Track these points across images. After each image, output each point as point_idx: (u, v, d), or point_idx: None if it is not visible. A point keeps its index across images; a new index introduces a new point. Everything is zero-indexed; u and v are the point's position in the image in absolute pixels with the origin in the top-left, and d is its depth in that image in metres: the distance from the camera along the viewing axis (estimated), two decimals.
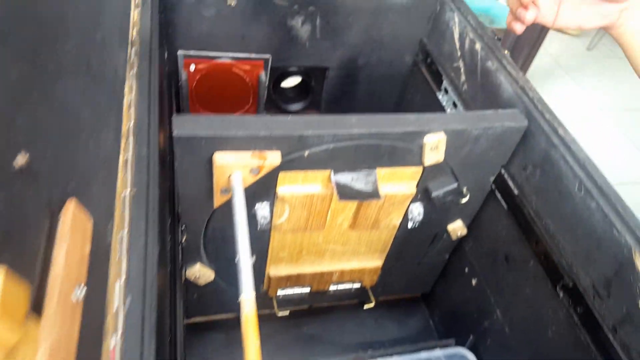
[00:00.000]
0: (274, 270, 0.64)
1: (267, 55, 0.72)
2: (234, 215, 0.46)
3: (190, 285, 0.63)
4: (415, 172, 0.55)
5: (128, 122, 0.45)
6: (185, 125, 0.45)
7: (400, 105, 0.85)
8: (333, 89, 0.82)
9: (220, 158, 0.47)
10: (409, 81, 0.81)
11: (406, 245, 0.66)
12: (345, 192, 0.52)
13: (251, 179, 0.49)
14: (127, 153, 0.41)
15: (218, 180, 0.48)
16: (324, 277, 0.68)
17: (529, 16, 0.51)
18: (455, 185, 0.56)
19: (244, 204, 0.47)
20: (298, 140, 0.48)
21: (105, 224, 0.35)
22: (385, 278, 0.71)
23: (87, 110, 0.36)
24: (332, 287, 0.71)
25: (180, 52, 0.68)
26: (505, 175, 0.59)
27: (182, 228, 0.55)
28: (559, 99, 2.04)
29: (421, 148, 0.52)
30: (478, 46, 0.64)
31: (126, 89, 0.47)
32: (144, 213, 0.38)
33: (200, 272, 0.61)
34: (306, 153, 0.50)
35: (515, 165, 0.58)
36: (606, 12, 0.50)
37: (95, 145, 0.36)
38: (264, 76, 0.73)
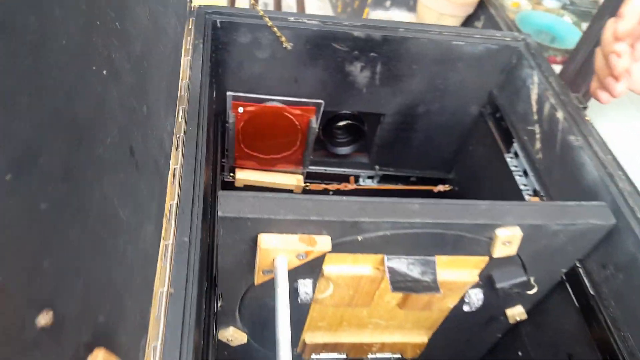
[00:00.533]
0: (310, 337, 0.60)
1: (320, 101, 0.67)
2: (275, 297, 0.42)
3: (221, 345, 0.60)
4: (480, 260, 0.49)
5: (171, 200, 0.41)
6: (230, 204, 0.41)
7: (460, 156, 0.78)
8: (387, 135, 0.76)
9: (266, 240, 0.42)
10: (472, 133, 0.74)
11: (458, 325, 0.60)
12: (399, 283, 0.46)
13: (297, 263, 0.44)
14: (167, 240, 0.37)
15: (261, 262, 0.44)
16: (363, 348, 0.63)
17: (620, 88, 0.44)
18: (525, 278, 0.50)
19: (287, 288, 0.43)
20: (351, 226, 0.43)
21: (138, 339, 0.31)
22: (429, 352, 0.65)
23: (127, 209, 0.32)
24: (370, 356, 0.66)
25: (229, 94, 0.64)
26: (580, 270, 0.52)
27: (219, 293, 0.51)
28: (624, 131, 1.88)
29: (491, 239, 0.46)
30: (560, 115, 0.57)
31: (172, 158, 0.44)
32: (180, 318, 0.34)
33: (234, 336, 0.57)
34: (360, 238, 0.44)
35: (594, 261, 0.50)
36: None
37: (133, 250, 0.32)
38: (314, 121, 0.68)
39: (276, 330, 0.39)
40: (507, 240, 0.45)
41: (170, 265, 0.36)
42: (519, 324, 0.62)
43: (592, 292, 0.50)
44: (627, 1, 0.41)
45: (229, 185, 0.72)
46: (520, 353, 0.63)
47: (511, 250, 0.47)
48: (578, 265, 0.52)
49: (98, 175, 0.29)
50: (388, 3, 2.67)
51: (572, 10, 2.64)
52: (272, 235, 0.43)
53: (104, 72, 0.32)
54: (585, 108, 0.57)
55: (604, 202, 0.48)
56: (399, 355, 0.67)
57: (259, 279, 0.46)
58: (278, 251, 0.43)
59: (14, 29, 0.21)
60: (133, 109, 0.37)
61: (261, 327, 0.58)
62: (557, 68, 1.98)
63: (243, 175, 0.72)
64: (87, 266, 0.26)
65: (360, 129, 0.76)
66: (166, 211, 0.39)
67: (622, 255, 0.47)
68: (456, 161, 0.80)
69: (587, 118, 0.56)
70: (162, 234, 0.37)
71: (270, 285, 0.46)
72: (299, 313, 0.56)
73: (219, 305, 0.52)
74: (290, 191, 0.75)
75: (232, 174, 0.72)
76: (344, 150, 0.78)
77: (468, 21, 2.76)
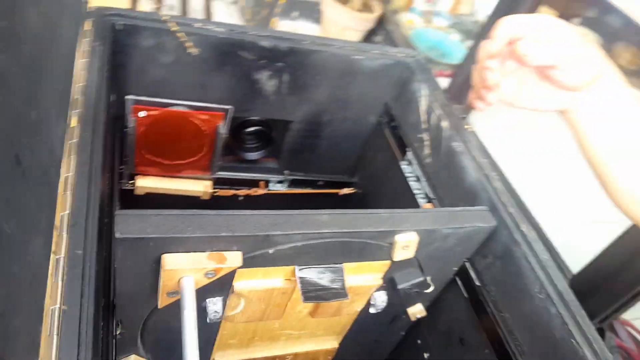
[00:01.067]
0: (221, 356, 0.59)
1: (229, 107, 0.66)
2: (182, 319, 0.41)
3: None
4: (383, 265, 0.52)
5: (62, 211, 0.38)
6: (129, 224, 0.39)
7: (362, 161, 0.82)
8: (295, 141, 0.77)
9: (170, 261, 0.41)
10: (372, 140, 0.79)
11: (365, 327, 0.63)
12: (310, 292, 0.48)
13: (205, 282, 0.43)
14: (58, 254, 0.34)
15: (165, 283, 0.42)
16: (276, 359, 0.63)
17: (492, 98, 0.50)
18: (422, 278, 0.54)
19: (194, 309, 0.42)
20: (263, 239, 0.43)
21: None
22: (340, 356, 0.68)
23: (12, 222, 0.29)
24: None
25: (128, 97, 0.60)
26: (467, 264, 0.58)
27: (117, 320, 0.48)
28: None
29: (392, 245, 0.49)
30: (445, 124, 0.62)
31: (63, 166, 0.40)
32: (75, 336, 0.31)
33: None
34: (271, 251, 0.45)
35: (477, 254, 0.57)
36: (561, 98, 0.50)
37: (19, 266, 0.29)
38: (222, 127, 0.67)
39: (184, 354, 0.38)
40: (406, 245, 0.49)
41: (63, 280, 0.34)
42: (417, 321, 0.67)
43: (477, 283, 0.56)
44: (498, 25, 0.47)
45: (129, 194, 0.68)
46: (419, 342, 0.68)
47: (409, 253, 0.50)
48: (466, 261, 0.57)
49: None
50: (295, 14, 2.69)
51: (458, 29, 2.90)
52: (177, 255, 0.41)
53: None
54: (464, 118, 0.63)
55: (486, 207, 0.54)
56: None
57: (163, 301, 0.44)
58: (184, 271, 0.42)
59: None
60: (19, 114, 0.33)
61: (166, 352, 0.55)
62: (446, 81, 2.17)
63: (144, 183, 0.69)
64: None
65: (269, 135, 0.76)
66: (57, 222, 0.36)
67: (499, 247, 0.53)
68: (359, 166, 0.84)
69: (467, 126, 0.62)
70: (53, 248, 0.34)
71: (176, 306, 0.45)
72: (208, 333, 0.54)
73: (118, 332, 0.49)
74: (198, 198, 0.73)
75: (131, 182, 0.68)
76: (253, 155, 0.78)
77: (369, 36, 2.89)
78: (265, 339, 0.59)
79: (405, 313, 0.63)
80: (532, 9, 1.78)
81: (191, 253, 0.41)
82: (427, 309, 0.64)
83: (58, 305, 0.31)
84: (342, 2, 2.63)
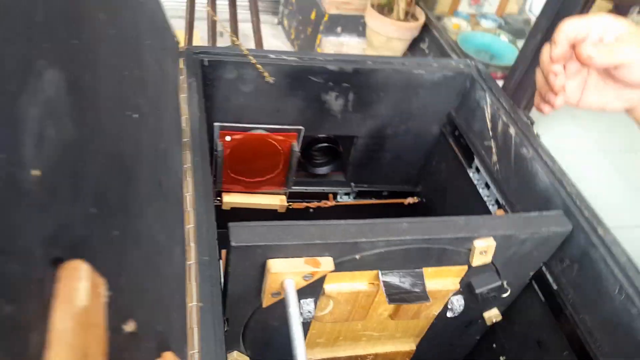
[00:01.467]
0: (309, 354, 0.64)
1: (300, 127, 0.72)
2: (288, 319, 0.46)
3: None
4: (460, 269, 0.55)
5: (188, 224, 0.44)
6: (241, 234, 0.44)
7: (425, 171, 0.85)
8: (360, 155, 0.82)
9: (275, 265, 0.46)
10: (435, 150, 0.82)
11: (442, 331, 0.66)
12: (393, 295, 0.51)
13: (303, 284, 0.48)
14: (190, 260, 0.41)
15: (270, 285, 0.48)
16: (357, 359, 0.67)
17: (559, 102, 0.51)
18: (499, 283, 0.57)
19: (298, 307, 0.47)
20: (351, 246, 0.48)
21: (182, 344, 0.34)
22: (417, 359, 0.71)
23: (163, 235, 0.35)
24: None
25: (216, 124, 0.68)
26: (544, 268, 0.59)
27: (225, 318, 0.54)
28: (559, 137, 2.07)
29: (469, 250, 0.52)
30: (512, 130, 0.65)
31: (184, 187, 0.47)
32: (212, 329, 0.37)
33: (237, 358, 0.60)
34: (357, 256, 0.49)
35: (553, 257, 0.58)
36: (628, 96, 0.50)
37: (170, 271, 0.35)
38: (296, 146, 0.73)
39: (293, 348, 0.43)
40: (483, 250, 0.52)
41: (197, 282, 0.39)
42: (494, 326, 0.69)
43: (554, 286, 0.58)
44: (559, 29, 0.49)
45: (217, 209, 0.75)
46: (494, 346, 0.70)
47: (487, 258, 0.53)
48: (542, 265, 0.59)
49: (142, 208, 0.32)
50: (339, 29, 2.77)
51: (507, 30, 2.86)
52: (279, 260, 0.46)
53: (135, 115, 0.35)
54: (532, 123, 0.65)
55: (561, 210, 0.56)
56: None
57: (267, 301, 0.50)
58: (286, 274, 0.47)
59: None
60: (155, 146, 0.40)
61: (264, 349, 0.61)
62: (499, 83, 2.15)
63: (229, 199, 0.75)
64: (147, 285, 0.29)
65: (336, 150, 0.81)
66: (185, 235, 0.42)
67: (575, 250, 0.55)
68: (422, 176, 0.87)
69: (535, 132, 0.64)
70: (186, 255, 0.40)
71: (275, 307, 0.50)
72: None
73: (225, 329, 0.55)
74: (275, 211, 0.79)
75: (219, 198, 0.75)
76: (322, 170, 0.83)
77: (414, 43, 2.91)
78: (348, 339, 0.63)
79: (482, 317, 0.65)
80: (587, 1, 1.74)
81: (290, 258, 0.46)
82: (503, 313, 0.66)
83: (195, 303, 0.37)
84: (385, 13, 2.67)
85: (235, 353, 0.59)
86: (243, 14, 2.50)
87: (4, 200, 0.17)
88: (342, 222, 0.48)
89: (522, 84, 2.06)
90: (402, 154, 0.83)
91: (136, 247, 0.28)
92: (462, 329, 0.68)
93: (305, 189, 0.83)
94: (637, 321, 0.49)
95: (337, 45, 2.78)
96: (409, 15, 2.69)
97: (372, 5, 2.62)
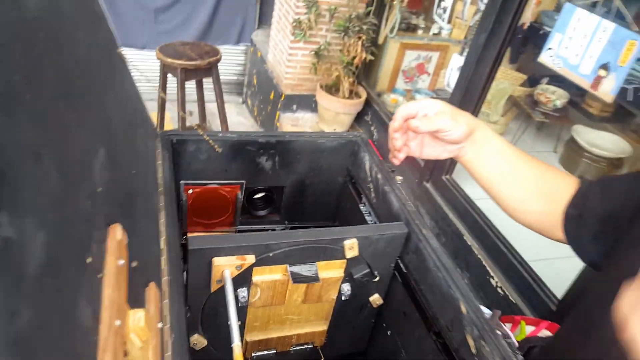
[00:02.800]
0: (250, 336, 0.91)
1: (242, 181, 1.04)
2: (226, 296, 0.74)
3: (190, 350, 0.88)
4: (342, 262, 0.85)
5: (161, 236, 0.74)
6: (196, 242, 0.74)
7: (337, 211, 1.17)
8: (289, 200, 1.14)
9: (217, 261, 0.76)
10: (341, 195, 1.15)
11: (342, 313, 0.95)
12: (296, 278, 0.81)
13: (236, 272, 0.78)
14: (164, 266, 0.70)
15: (215, 275, 0.77)
16: (286, 340, 0.94)
17: (401, 156, 0.76)
18: (367, 270, 0.87)
19: (232, 289, 0.75)
20: (265, 247, 0.78)
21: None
22: (331, 340, 0.99)
23: (151, 230, 0.65)
24: (292, 349, 0.97)
25: (182, 182, 0.99)
26: (399, 260, 0.90)
27: (187, 308, 0.82)
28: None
29: (343, 248, 0.83)
30: (379, 176, 0.98)
31: (160, 216, 0.77)
32: (178, 300, 0.66)
33: (198, 340, 0.87)
34: (271, 254, 0.79)
35: (402, 252, 0.89)
36: (450, 149, 0.73)
37: (155, 249, 0.64)
38: (240, 195, 1.04)
39: (229, 319, 0.72)
40: (351, 246, 0.83)
41: (169, 276, 0.68)
42: (381, 307, 0.98)
43: (405, 270, 0.89)
44: (397, 111, 0.80)
45: (184, 247, 1.04)
46: (384, 324, 0.99)
47: (355, 252, 0.84)
48: (398, 258, 0.90)
49: (140, 214, 0.62)
50: (295, 107, 3.21)
51: None
52: (220, 257, 0.76)
53: (134, 171, 0.66)
54: (393, 171, 0.99)
55: (402, 221, 0.88)
56: (311, 346, 0.99)
57: (214, 287, 0.79)
58: (224, 266, 0.76)
59: None
60: (146, 189, 0.70)
61: (217, 333, 0.88)
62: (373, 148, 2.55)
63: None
64: (144, 245, 0.59)
65: (271, 197, 1.13)
66: (162, 246, 0.71)
67: (412, 245, 0.86)
68: (337, 213, 1.19)
69: (396, 177, 0.98)
70: (162, 261, 0.70)
71: (221, 295, 0.78)
72: (241, 317, 0.87)
73: (188, 315, 0.83)
74: None
75: (185, 237, 1.04)
76: (261, 212, 1.14)
77: (359, 115, 3.38)
78: (277, 323, 0.91)
79: (369, 302, 0.95)
80: (490, 76, 2.20)
81: (227, 257, 0.76)
82: (384, 298, 0.95)
83: (168, 287, 0.66)
84: (333, 93, 3.13)
85: (196, 335, 0.86)
86: (210, 95, 2.91)
87: (87, 202, 0.47)
88: (260, 233, 0.79)
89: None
90: (319, 198, 1.15)
91: (138, 229, 0.58)
92: (358, 312, 0.97)
93: (250, 227, 1.14)
94: (443, 282, 0.79)
95: (293, 120, 3.20)
96: (353, 93, 3.16)
97: (321, 87, 3.08)
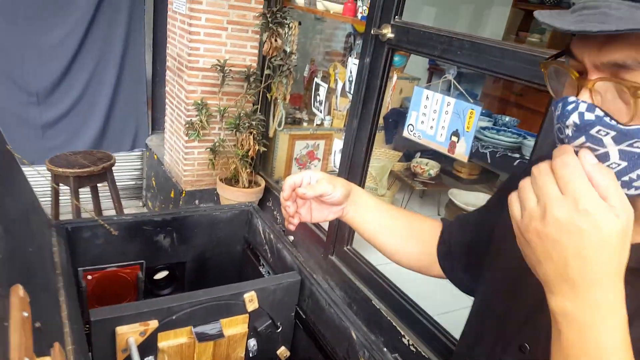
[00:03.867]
0: None
1: (142, 261, 1.08)
2: None
3: None
4: (245, 317, 0.92)
5: (62, 311, 0.76)
6: (98, 314, 0.77)
7: (240, 279, 1.24)
8: (191, 275, 1.19)
9: (120, 330, 0.78)
10: (242, 262, 1.23)
11: None
12: (201, 337, 0.86)
13: (141, 339, 0.80)
14: (68, 345, 0.71)
15: (119, 344, 0.79)
16: None
17: (295, 221, 0.83)
18: (270, 321, 0.94)
19: (138, 356, 0.78)
20: (168, 310, 0.83)
21: None
22: None
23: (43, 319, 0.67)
24: None
25: (80, 269, 1.00)
26: (297, 308, 0.99)
27: None
28: None
29: (244, 301, 0.90)
30: (272, 237, 1.10)
31: (60, 296, 0.79)
32: None
33: None
34: (174, 317, 0.84)
35: (300, 300, 0.99)
36: (335, 210, 0.81)
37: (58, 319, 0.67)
38: (141, 274, 1.08)
39: None
40: (250, 299, 0.90)
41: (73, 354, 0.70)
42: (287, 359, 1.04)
43: (304, 316, 0.97)
44: (285, 181, 0.94)
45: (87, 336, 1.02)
46: None
47: (255, 305, 0.92)
48: (297, 307, 0.99)
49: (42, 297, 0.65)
50: (197, 201, 3.26)
51: None
52: (123, 326, 0.79)
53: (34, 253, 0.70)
54: (285, 232, 1.11)
55: (296, 271, 0.99)
56: None
57: (120, 357, 0.80)
58: (128, 334, 0.79)
59: None
60: (52, 279, 0.73)
61: None
62: (264, 214, 2.75)
63: None
64: (46, 308, 0.61)
65: (174, 274, 1.17)
66: (65, 329, 0.73)
67: (307, 290, 0.96)
68: (240, 279, 1.25)
69: (288, 238, 1.10)
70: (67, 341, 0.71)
71: None
72: None
73: None
74: None
75: (87, 325, 1.03)
76: (165, 291, 1.17)
77: (261, 202, 3.52)
78: None
79: (277, 356, 1.00)
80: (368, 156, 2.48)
81: (130, 324, 0.79)
82: (290, 350, 1.02)
83: (73, 355, 0.68)
84: (233, 184, 3.27)
85: None
86: (107, 202, 2.86)
87: None
88: (162, 298, 0.84)
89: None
90: (221, 269, 1.22)
91: (39, 297, 0.62)
92: None
93: None
94: (335, 316, 0.89)
95: None
96: (252, 183, 3.32)
97: (221, 180, 3.21)
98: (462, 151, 2.16)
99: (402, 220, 0.89)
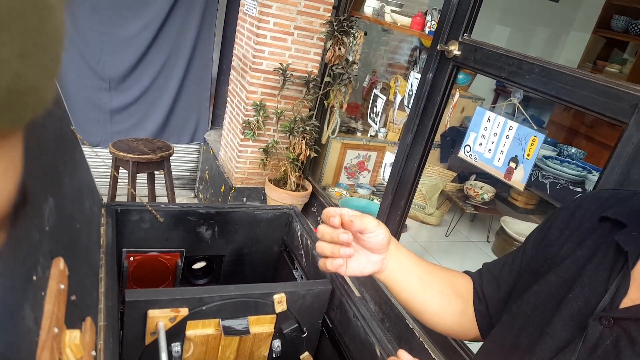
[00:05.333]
0: None
1: (182, 249, 1.11)
2: (159, 349, 0.79)
3: None
4: (272, 317, 0.92)
5: (100, 288, 0.79)
6: (132, 295, 0.80)
7: (274, 279, 1.25)
8: (228, 269, 1.21)
9: (151, 313, 0.81)
10: (277, 262, 1.23)
11: None
12: (228, 331, 0.87)
13: (170, 324, 0.83)
14: (101, 321, 0.75)
15: (149, 327, 0.81)
16: None
17: (348, 252, 0.67)
18: (296, 325, 0.94)
19: (165, 340, 0.80)
20: (199, 300, 0.85)
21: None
22: None
23: (80, 294, 0.71)
24: None
25: (123, 250, 1.05)
26: (325, 317, 0.98)
27: None
28: None
29: (273, 302, 0.91)
30: (309, 242, 1.09)
31: (101, 275, 0.83)
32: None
33: None
34: (204, 308, 0.85)
35: (328, 308, 0.97)
36: (374, 260, 0.70)
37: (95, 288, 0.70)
38: (180, 262, 1.11)
39: None
40: (279, 300, 0.90)
41: (105, 329, 0.73)
42: None
43: (330, 325, 0.96)
44: (325, 212, 0.95)
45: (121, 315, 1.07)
46: None
47: (283, 307, 0.91)
48: (324, 314, 0.98)
49: (84, 270, 0.69)
50: (244, 199, 3.34)
51: (378, 195, 3.61)
52: (155, 310, 0.82)
53: (78, 225, 0.74)
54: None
55: (327, 279, 0.98)
56: None
57: (148, 339, 0.83)
58: (158, 318, 0.81)
59: None
60: (93, 257, 0.77)
61: None
62: (305, 218, 2.74)
63: None
64: (84, 283, 0.64)
65: (211, 266, 1.20)
66: (100, 305, 0.77)
67: (337, 300, 0.95)
68: (274, 280, 1.26)
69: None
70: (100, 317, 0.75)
71: (156, 349, 0.82)
72: None
73: None
74: None
75: (122, 305, 1.07)
76: (201, 281, 1.20)
77: (306, 206, 3.53)
78: None
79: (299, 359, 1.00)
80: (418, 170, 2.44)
81: (161, 309, 0.82)
82: (314, 357, 1.01)
83: (104, 331, 0.71)
84: (281, 186, 3.31)
85: None
86: (161, 190, 3.00)
87: (35, 233, 0.56)
88: (194, 287, 0.86)
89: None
90: (257, 266, 1.23)
91: (78, 271, 0.65)
92: None
93: None
94: (361, 330, 0.87)
95: None
96: (299, 187, 3.35)
97: (270, 180, 3.26)
98: (519, 179, 2.07)
99: (440, 275, 0.80)
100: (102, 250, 0.88)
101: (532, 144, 2.02)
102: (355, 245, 0.71)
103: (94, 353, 0.61)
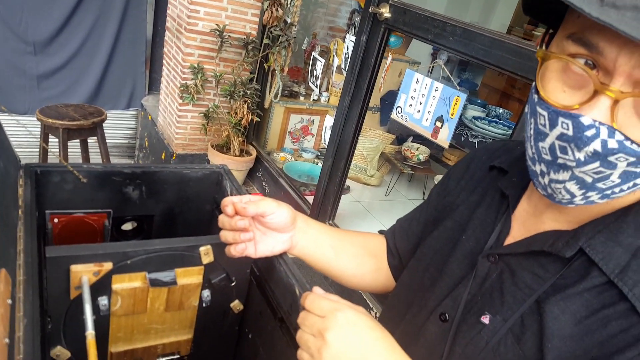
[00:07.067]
0: (114, 347, 0.95)
1: (109, 210, 1.11)
2: (83, 302, 0.81)
3: None
4: (200, 269, 0.96)
5: (19, 245, 0.80)
6: (53, 251, 0.81)
7: (207, 235, 1.28)
8: (159, 228, 1.22)
9: (74, 268, 0.82)
10: (210, 220, 1.26)
11: (206, 321, 1.03)
12: (154, 283, 0.90)
13: (94, 279, 0.85)
14: (20, 277, 0.76)
15: (73, 281, 0.83)
16: (152, 350, 0.99)
17: (248, 236, 0.83)
18: (224, 274, 0.98)
19: (89, 294, 0.82)
20: (122, 254, 0.87)
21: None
22: (197, 348, 1.05)
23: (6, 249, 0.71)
24: (159, 359, 1.02)
25: (47, 212, 1.04)
26: (253, 266, 1.03)
27: (48, 319, 0.86)
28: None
29: (199, 254, 0.94)
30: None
31: (18, 235, 0.83)
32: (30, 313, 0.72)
33: (60, 351, 0.89)
34: (129, 262, 0.88)
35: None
36: (283, 239, 0.79)
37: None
38: (107, 223, 1.11)
39: (85, 323, 0.78)
40: (206, 252, 0.94)
41: (24, 285, 0.74)
42: (242, 314, 1.08)
43: (257, 273, 1.01)
44: (223, 202, 0.99)
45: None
46: (246, 329, 1.08)
47: (210, 258, 0.95)
48: (252, 264, 1.03)
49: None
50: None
51: (322, 159, 3.67)
52: (78, 265, 0.83)
53: None
54: (248, 190, 1.14)
55: None
56: (178, 356, 1.04)
57: (72, 294, 0.84)
58: (82, 272, 0.83)
59: None
60: (12, 215, 0.77)
61: (79, 345, 0.91)
62: (235, 175, 2.81)
63: None
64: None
65: (141, 226, 1.21)
66: (19, 261, 0.77)
67: None
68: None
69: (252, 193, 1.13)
70: (18, 273, 0.75)
71: (82, 304, 0.84)
72: (103, 327, 0.92)
73: (49, 327, 0.86)
74: None
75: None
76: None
77: (251, 171, 3.54)
78: (141, 333, 0.96)
79: (230, 308, 1.05)
80: (355, 132, 2.50)
81: (85, 264, 0.83)
82: (244, 304, 1.06)
83: (21, 313, 0.72)
84: (224, 151, 3.29)
85: (58, 347, 0.88)
86: (96, 157, 2.89)
87: None
88: (118, 242, 0.88)
89: (325, 194, 2.69)
90: (190, 226, 1.26)
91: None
92: (221, 319, 1.06)
93: None
94: (283, 274, 0.94)
95: None
96: (243, 152, 3.34)
97: (212, 146, 3.23)
98: (444, 137, 2.19)
99: (350, 240, 0.88)
100: (21, 209, 0.88)
101: (455, 104, 2.14)
102: (261, 228, 0.78)
103: (9, 301, 0.63)
